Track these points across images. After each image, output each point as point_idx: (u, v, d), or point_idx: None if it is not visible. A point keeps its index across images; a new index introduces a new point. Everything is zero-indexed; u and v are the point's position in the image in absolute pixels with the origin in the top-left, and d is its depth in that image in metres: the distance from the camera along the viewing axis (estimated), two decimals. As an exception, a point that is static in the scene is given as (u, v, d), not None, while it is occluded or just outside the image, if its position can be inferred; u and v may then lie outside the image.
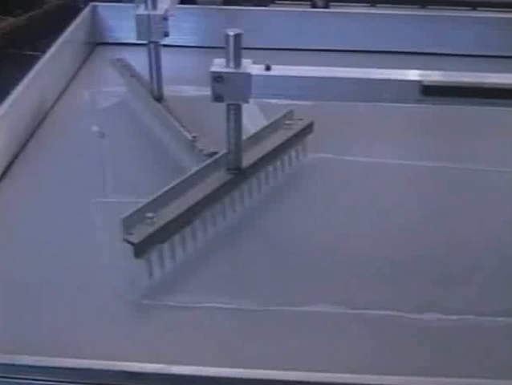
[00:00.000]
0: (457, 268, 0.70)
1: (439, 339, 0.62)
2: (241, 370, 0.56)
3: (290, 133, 0.80)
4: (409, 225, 0.75)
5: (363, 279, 0.69)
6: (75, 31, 1.07)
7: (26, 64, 0.96)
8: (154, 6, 0.85)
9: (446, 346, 0.62)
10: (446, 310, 0.65)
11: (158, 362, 0.56)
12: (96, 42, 1.16)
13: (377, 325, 0.64)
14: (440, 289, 0.67)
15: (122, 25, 1.12)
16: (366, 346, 0.62)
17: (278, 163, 0.80)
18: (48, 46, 1.01)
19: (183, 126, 0.84)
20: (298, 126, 0.81)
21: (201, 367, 0.55)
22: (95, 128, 0.92)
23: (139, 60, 0.97)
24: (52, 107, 0.97)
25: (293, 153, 0.82)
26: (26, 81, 0.90)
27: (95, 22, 1.14)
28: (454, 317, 0.64)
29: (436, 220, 0.76)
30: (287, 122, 0.81)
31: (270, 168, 0.79)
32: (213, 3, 1.16)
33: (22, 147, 0.87)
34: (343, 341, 0.62)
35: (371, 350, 0.61)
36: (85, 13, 1.12)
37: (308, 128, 0.82)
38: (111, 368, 0.55)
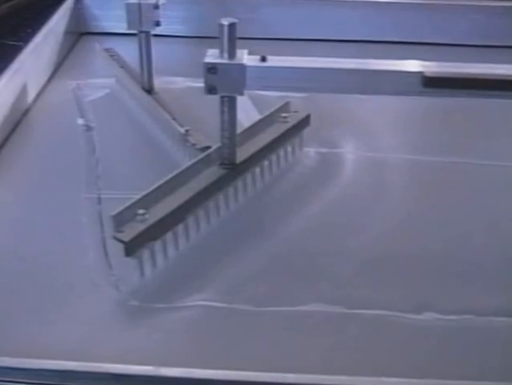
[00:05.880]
0: (456, 266, 0.70)
1: (437, 340, 0.63)
2: (233, 372, 0.56)
3: (286, 126, 0.81)
4: (409, 222, 0.76)
5: (361, 278, 0.69)
6: (59, 20, 1.07)
7: (7, 55, 0.96)
8: (145, -5, 0.86)
9: (445, 347, 0.62)
10: (445, 310, 0.65)
11: (146, 364, 0.56)
12: (81, 31, 1.16)
13: (374, 325, 0.64)
14: (439, 289, 0.68)
15: (108, 14, 1.12)
16: (363, 346, 0.62)
17: (274, 157, 0.81)
18: (31, 35, 1.01)
19: (175, 119, 0.84)
20: (295, 119, 0.82)
21: (190, 369, 0.56)
22: (81, 121, 0.92)
23: (126, 50, 0.98)
24: (35, 99, 0.98)
25: (289, 147, 0.83)
26: (7, 72, 0.90)
27: (80, 11, 1.15)
28: (453, 317, 0.65)
29: (436, 216, 0.77)
30: (283, 115, 0.81)
31: (266, 163, 0.80)
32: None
33: (4, 141, 0.88)
34: (339, 341, 0.63)
35: (368, 351, 0.62)
36: (69, 1, 1.12)
37: (305, 121, 0.83)
38: (96, 370, 0.56)
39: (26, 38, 1.01)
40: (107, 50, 1.01)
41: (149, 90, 0.91)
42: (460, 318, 0.65)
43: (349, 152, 0.87)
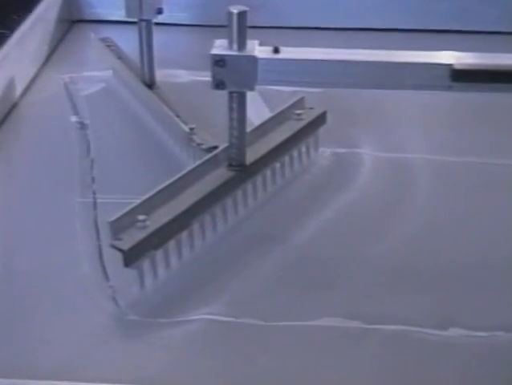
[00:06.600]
0: (485, 277, 0.71)
1: (465, 358, 0.63)
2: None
3: (300, 124, 0.82)
4: (433, 229, 0.76)
5: (380, 290, 0.70)
6: (49, 6, 1.09)
7: (-9, 44, 0.97)
8: (146, -21, 0.87)
9: (473, 366, 0.62)
10: (473, 326, 0.65)
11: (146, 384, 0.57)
12: (74, 19, 1.17)
13: (395, 341, 0.64)
14: (466, 302, 0.68)
15: (104, -1, 1.14)
16: (382, 365, 0.63)
17: (287, 158, 0.81)
18: (17, 23, 1.02)
19: (178, 116, 0.85)
20: (309, 116, 0.83)
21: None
22: (74, 119, 0.93)
23: (124, 40, 0.99)
24: (23, 94, 0.99)
25: (303, 147, 0.84)
26: (-8, 64, 0.91)
27: (72, -4, 1.16)
28: (482, 333, 0.65)
29: (464, 223, 0.77)
30: (297, 112, 0.82)
31: (277, 165, 0.80)
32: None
33: (-12, 142, 0.89)
34: (356, 359, 0.63)
35: (388, 370, 0.62)
36: (61, -15, 1.13)
37: (320, 119, 0.83)
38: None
39: (12, 26, 1.02)
40: (103, 39, 1.01)
41: (150, 84, 0.92)
42: (489, 335, 0.65)
43: (368, 153, 0.88)
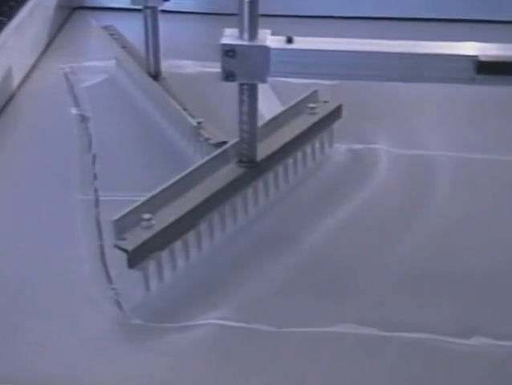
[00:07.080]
0: (510, 282, 0.71)
1: (489, 369, 0.63)
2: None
3: (314, 119, 0.82)
4: (454, 231, 0.76)
5: (398, 295, 0.69)
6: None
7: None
8: (151, -35, 0.87)
9: (498, 377, 0.62)
10: (498, 334, 0.65)
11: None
12: (74, 5, 1.17)
13: (415, 350, 0.64)
14: (490, 309, 0.68)
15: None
16: (401, 375, 0.62)
17: (300, 154, 0.81)
18: (15, 9, 1.02)
19: (185, 109, 0.85)
20: (324, 110, 0.82)
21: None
22: (75, 111, 0.93)
23: (128, 29, 0.99)
24: (21, 85, 0.99)
25: (317, 143, 0.83)
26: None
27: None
28: (508, 342, 0.65)
29: (487, 224, 0.77)
30: (310, 105, 0.82)
31: (290, 161, 0.80)
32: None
33: (-16, 134, 0.89)
34: (373, 369, 0.63)
35: (407, 381, 0.62)
36: (61, -30, 1.13)
37: (335, 113, 0.83)
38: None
39: (10, 13, 1.02)
40: (105, 27, 1.01)
41: (155, 75, 0.92)
42: (515, 344, 0.65)
43: (385, 149, 0.87)
